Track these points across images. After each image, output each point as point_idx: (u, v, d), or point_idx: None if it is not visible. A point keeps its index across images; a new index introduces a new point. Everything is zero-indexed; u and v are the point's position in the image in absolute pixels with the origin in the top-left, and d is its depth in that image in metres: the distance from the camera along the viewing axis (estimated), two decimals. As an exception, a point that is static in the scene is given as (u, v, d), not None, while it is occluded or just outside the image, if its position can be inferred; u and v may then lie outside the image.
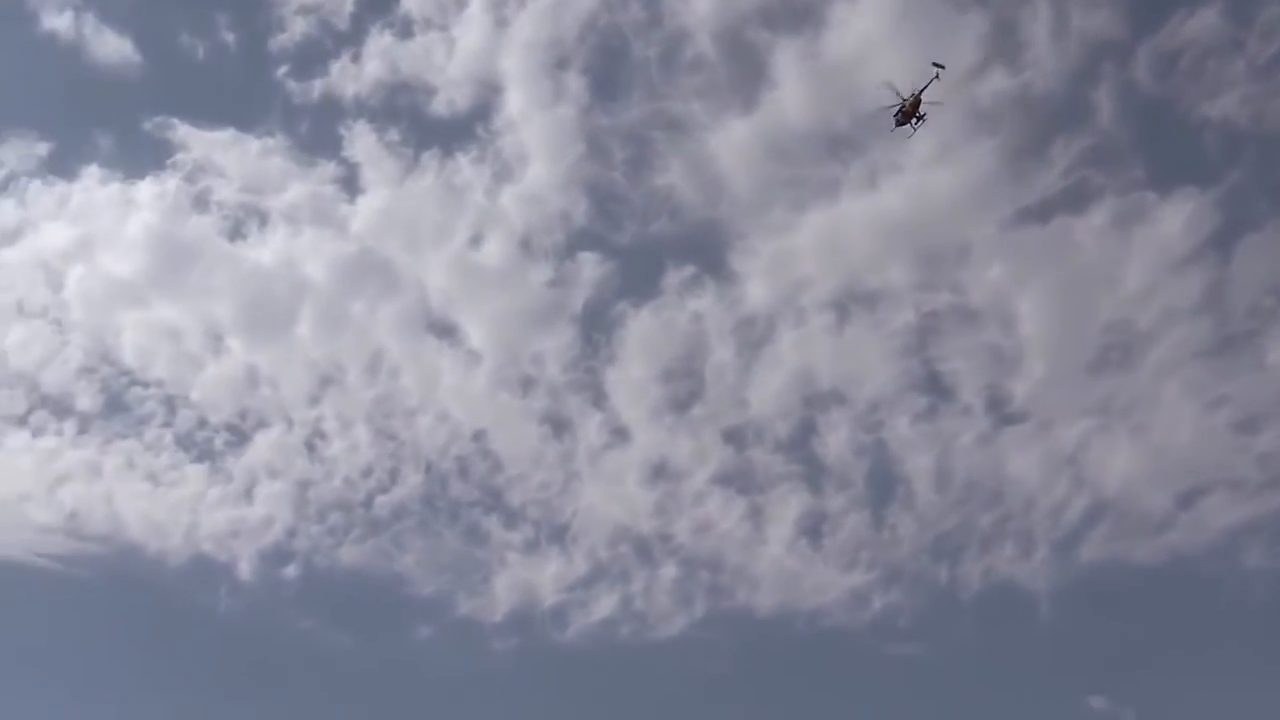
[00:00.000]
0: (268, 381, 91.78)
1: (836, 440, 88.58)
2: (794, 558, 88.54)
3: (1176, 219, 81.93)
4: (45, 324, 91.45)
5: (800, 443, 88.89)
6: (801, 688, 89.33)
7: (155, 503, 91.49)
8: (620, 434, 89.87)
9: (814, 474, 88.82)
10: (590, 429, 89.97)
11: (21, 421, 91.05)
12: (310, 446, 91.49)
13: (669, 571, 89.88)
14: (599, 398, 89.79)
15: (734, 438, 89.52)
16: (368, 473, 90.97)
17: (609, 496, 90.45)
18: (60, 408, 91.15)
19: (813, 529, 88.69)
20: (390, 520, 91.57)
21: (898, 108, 56.02)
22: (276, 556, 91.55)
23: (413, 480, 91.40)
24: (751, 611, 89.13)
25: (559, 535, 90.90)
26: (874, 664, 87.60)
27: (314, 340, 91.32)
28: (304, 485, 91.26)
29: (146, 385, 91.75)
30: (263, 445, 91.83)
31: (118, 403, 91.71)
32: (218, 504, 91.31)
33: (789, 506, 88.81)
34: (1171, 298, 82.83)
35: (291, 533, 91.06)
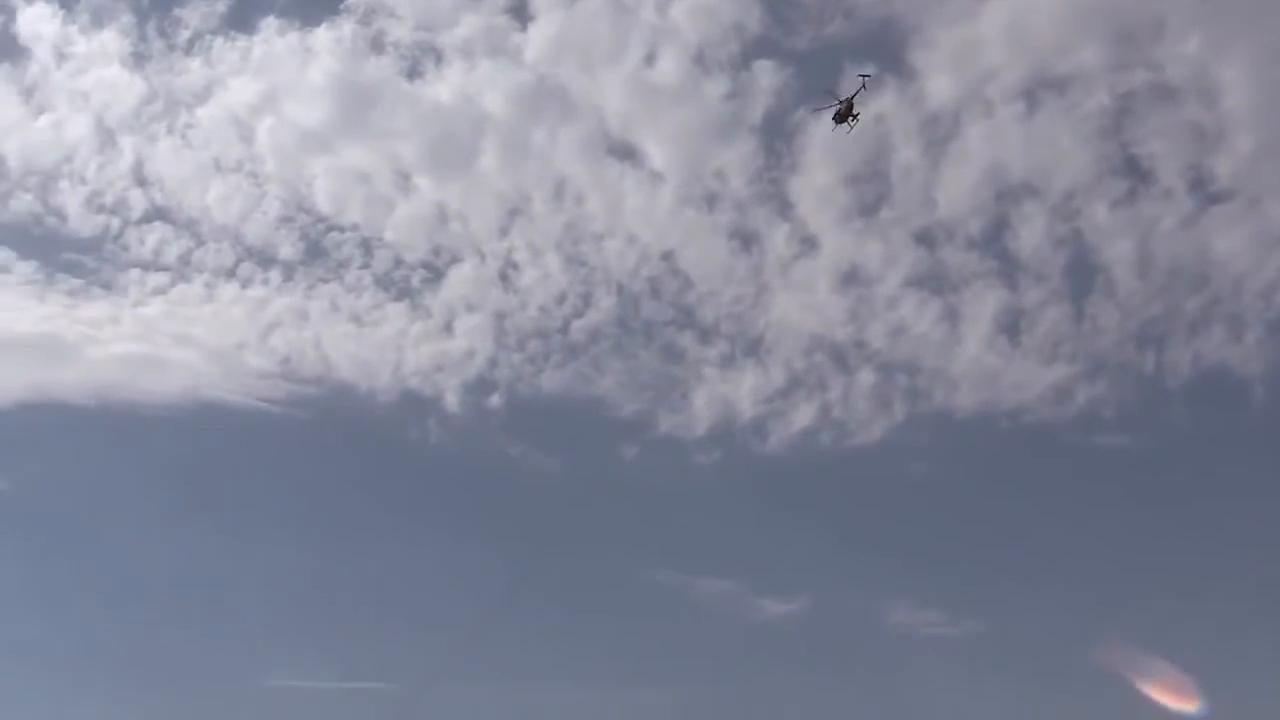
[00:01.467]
0: (457, 217, 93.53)
1: (1031, 233, 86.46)
2: (993, 356, 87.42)
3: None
4: (242, 178, 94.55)
5: (993, 239, 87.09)
6: (1006, 487, 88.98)
7: (361, 343, 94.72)
8: (809, 243, 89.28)
9: (1009, 269, 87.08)
10: (778, 240, 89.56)
11: (231, 274, 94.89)
12: (504, 277, 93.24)
13: (866, 377, 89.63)
14: (785, 208, 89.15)
15: (924, 238, 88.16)
16: (561, 299, 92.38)
17: (801, 306, 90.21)
18: (264, 258, 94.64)
19: (1011, 325, 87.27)
20: (587, 344, 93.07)
21: (835, 110, 60.23)
22: (480, 387, 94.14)
23: (606, 304, 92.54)
24: (951, 413, 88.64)
25: (753, 348, 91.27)
26: (1080, 458, 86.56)
27: (498, 172, 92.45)
28: (501, 316, 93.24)
29: (342, 230, 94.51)
30: (457, 280, 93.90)
31: (317, 249, 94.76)
32: (420, 340, 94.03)
33: (985, 304, 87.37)
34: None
35: (492, 363, 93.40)
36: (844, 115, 60.20)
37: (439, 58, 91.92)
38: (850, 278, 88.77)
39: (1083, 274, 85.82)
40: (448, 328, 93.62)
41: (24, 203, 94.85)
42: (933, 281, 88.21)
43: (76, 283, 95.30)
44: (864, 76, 60.25)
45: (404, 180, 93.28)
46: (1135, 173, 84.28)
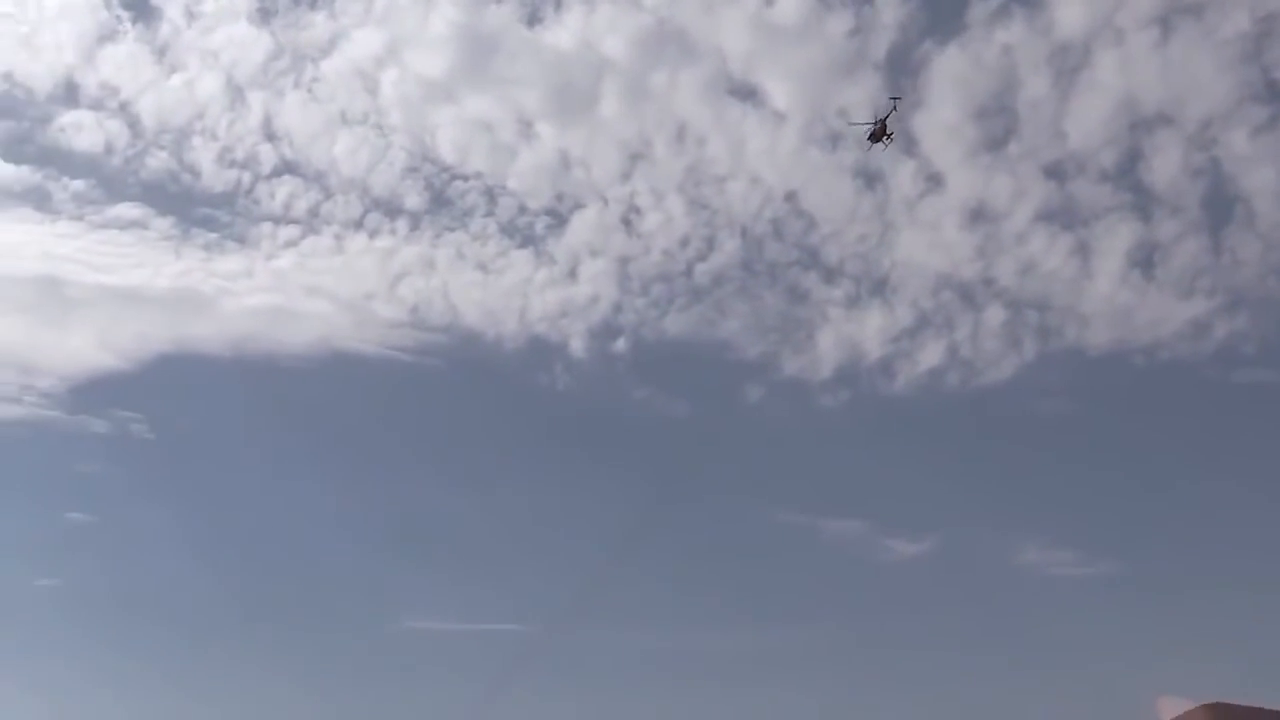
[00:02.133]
0: (579, 163, 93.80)
1: (1166, 164, 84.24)
2: (1126, 291, 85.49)
3: None
4: (368, 130, 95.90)
5: (1126, 170, 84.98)
6: (1141, 425, 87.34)
7: (487, 290, 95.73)
8: (934, 180, 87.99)
9: (1143, 202, 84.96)
10: (903, 178, 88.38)
11: (359, 225, 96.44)
12: (626, 222, 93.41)
13: (995, 315, 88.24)
14: (909, 145, 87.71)
15: (1054, 172, 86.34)
16: (685, 243, 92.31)
17: (928, 244, 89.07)
18: (391, 208, 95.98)
19: (1145, 260, 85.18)
20: (711, 287, 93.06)
21: (870, 130, 63.68)
22: (605, 332, 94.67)
23: (729, 246, 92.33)
24: (1083, 350, 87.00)
25: (879, 288, 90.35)
26: (1219, 394, 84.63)
27: (619, 118, 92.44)
28: (624, 260, 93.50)
29: (466, 179, 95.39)
30: (581, 226, 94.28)
31: (442, 198, 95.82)
32: (545, 286, 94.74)
33: (1118, 238, 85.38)
34: None
35: (617, 308, 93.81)
36: (879, 135, 63.23)
37: (559, 3, 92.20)
38: (978, 214, 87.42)
39: (1221, 205, 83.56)
40: (572, 274, 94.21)
41: (159, 160, 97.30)
42: (1063, 216, 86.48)
43: (211, 237, 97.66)
44: (894, 99, 64.72)
45: (526, 128, 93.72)
46: (1277, 98, 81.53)
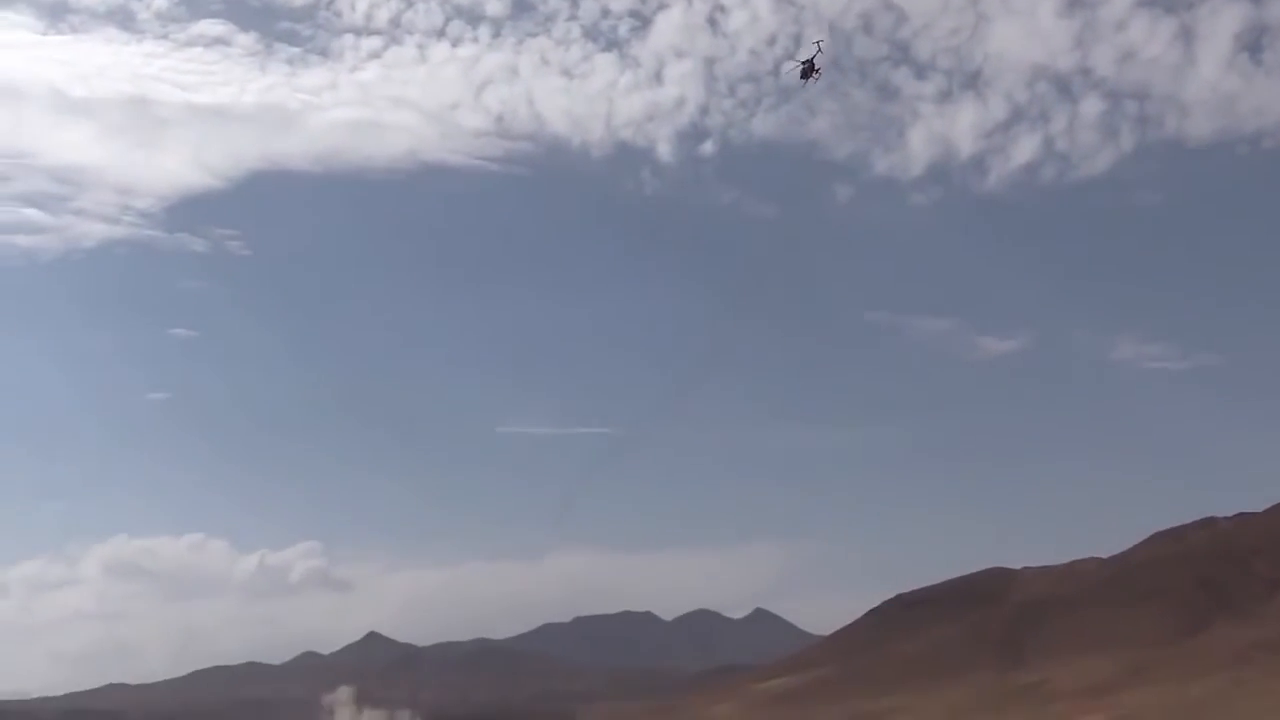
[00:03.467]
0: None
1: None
2: (1232, 77, 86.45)
3: None
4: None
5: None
6: (1244, 216, 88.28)
7: (572, 97, 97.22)
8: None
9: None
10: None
11: (441, 33, 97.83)
12: (712, 22, 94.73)
13: (1092, 106, 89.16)
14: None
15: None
16: (772, 41, 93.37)
17: (1022, 34, 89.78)
18: (473, 15, 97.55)
19: (1253, 43, 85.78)
20: (799, 87, 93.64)
21: (800, 69, 76.93)
22: (692, 135, 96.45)
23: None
24: (1183, 141, 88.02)
25: (972, 81, 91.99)
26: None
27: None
28: (710, 61, 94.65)
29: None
30: (666, 27, 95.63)
31: (523, 3, 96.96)
32: (630, 90, 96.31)
33: (1224, 21, 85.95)
34: None
35: (704, 110, 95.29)
36: (808, 72, 76.33)
37: None
38: (1075, 1, 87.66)
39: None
40: (657, 76, 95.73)
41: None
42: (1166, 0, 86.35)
43: (294, 51, 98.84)
44: (818, 43, 77.98)
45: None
46: None
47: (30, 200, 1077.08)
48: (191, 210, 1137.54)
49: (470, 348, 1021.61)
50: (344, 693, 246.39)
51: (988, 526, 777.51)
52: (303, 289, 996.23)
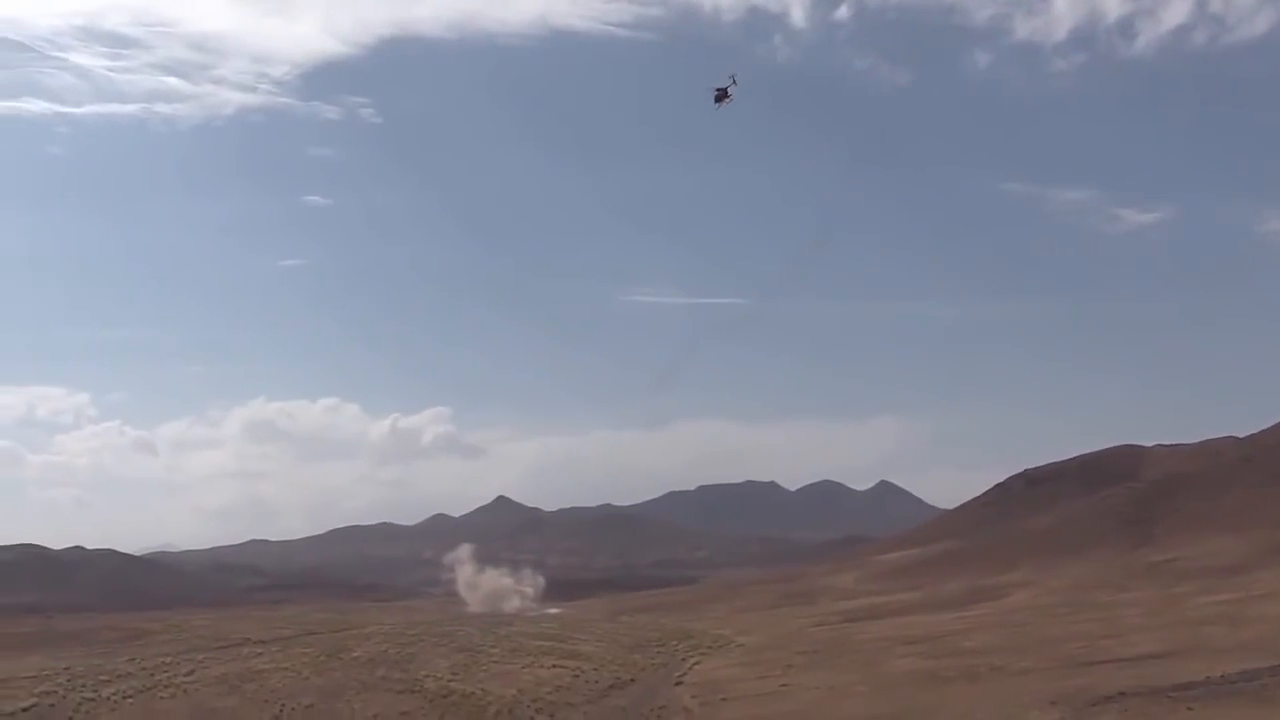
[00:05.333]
0: None
1: None
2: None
3: None
4: None
5: None
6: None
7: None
8: None
9: None
10: None
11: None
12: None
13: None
14: None
15: None
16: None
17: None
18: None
19: None
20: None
21: (715, 96, 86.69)
22: None
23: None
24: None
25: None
26: None
27: None
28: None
29: None
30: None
31: None
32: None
33: None
34: None
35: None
36: (721, 98, 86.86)
37: None
38: None
39: None
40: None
41: None
42: None
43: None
44: (732, 76, 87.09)
45: None
46: None
47: (171, 69, 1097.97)
48: (324, 78, 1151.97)
49: (600, 217, 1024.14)
50: (464, 550, 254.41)
51: (1120, 403, 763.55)
52: (433, 157, 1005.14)
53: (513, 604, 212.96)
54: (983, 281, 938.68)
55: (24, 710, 75.59)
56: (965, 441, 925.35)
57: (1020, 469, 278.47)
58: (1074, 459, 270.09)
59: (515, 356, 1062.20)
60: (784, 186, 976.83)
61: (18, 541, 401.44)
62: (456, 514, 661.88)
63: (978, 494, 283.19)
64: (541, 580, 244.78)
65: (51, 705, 77.80)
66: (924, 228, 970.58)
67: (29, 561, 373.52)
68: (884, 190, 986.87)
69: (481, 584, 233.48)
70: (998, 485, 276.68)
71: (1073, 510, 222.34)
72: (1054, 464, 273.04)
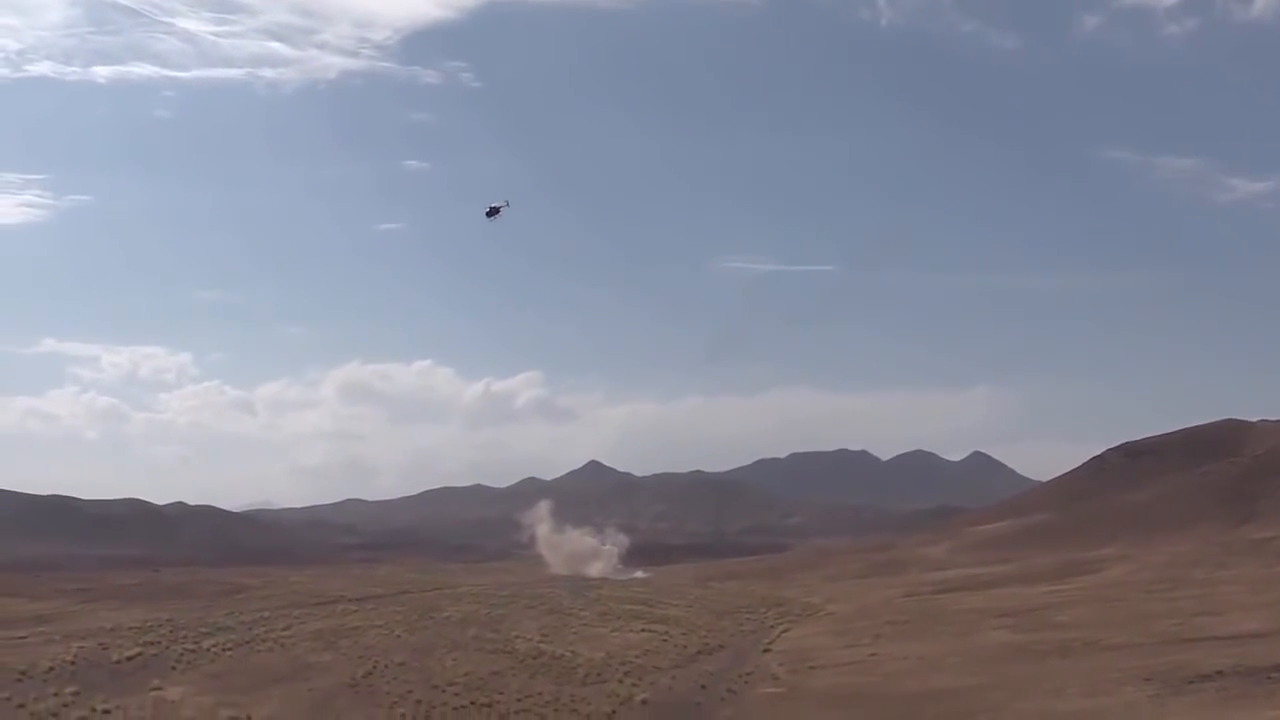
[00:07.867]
0: None
1: None
2: None
3: None
4: None
5: None
6: None
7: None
8: None
9: None
10: None
11: None
12: None
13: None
14: None
15: None
16: None
17: None
18: None
19: None
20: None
21: (489, 211, 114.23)
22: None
23: None
24: None
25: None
26: None
27: None
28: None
29: None
30: None
31: None
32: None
33: None
34: None
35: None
36: (493, 213, 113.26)
37: None
38: None
39: None
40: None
41: None
42: None
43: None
44: (506, 201, 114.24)
45: None
46: None
47: (275, 33, 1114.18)
48: (424, 42, 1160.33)
49: (696, 183, 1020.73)
50: (543, 507, 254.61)
51: (1224, 377, 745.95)
52: (532, 122, 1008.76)
53: (596, 566, 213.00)
54: (1085, 253, 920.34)
55: (129, 659, 77.79)
56: (1061, 414, 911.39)
57: (1118, 442, 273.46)
58: (1175, 433, 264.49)
59: (607, 321, 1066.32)
60: (885, 153, 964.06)
61: (125, 495, 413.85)
62: (548, 477, 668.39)
63: (1073, 467, 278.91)
64: (625, 539, 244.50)
65: (155, 655, 79.98)
66: (1027, 195, 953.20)
67: (135, 515, 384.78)
68: (987, 158, 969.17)
69: (562, 545, 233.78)
70: (1095, 458, 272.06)
71: (1172, 485, 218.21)
72: (1154, 437, 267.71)
